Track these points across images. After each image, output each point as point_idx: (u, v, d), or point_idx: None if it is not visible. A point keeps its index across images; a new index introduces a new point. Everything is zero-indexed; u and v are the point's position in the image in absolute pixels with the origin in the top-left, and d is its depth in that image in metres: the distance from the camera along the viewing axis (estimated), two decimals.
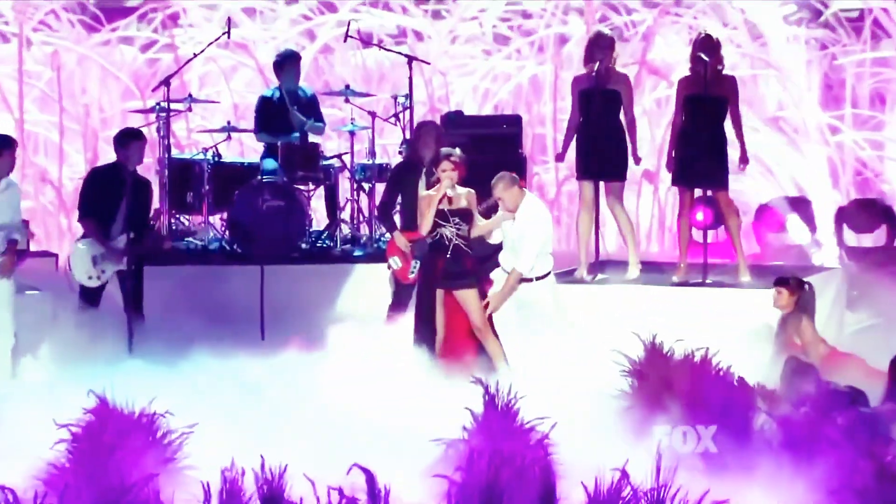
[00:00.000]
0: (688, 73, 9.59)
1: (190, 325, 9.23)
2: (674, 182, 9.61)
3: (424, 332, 8.32)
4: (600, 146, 9.37)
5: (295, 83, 10.97)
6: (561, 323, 8.37)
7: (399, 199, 9.46)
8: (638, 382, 7.02)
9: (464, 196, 8.37)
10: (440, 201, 8.29)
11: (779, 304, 8.44)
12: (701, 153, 9.30)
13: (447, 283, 8.29)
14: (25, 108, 12.29)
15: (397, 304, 9.23)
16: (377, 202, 10.29)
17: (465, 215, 8.33)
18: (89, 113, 12.41)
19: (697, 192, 9.62)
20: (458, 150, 8.53)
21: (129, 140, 9.07)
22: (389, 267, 9.26)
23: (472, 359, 8.13)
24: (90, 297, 8.96)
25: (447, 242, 8.30)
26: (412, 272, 9.12)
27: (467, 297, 8.26)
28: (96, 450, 6.02)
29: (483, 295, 8.35)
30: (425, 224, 8.33)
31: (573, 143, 9.60)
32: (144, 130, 11.09)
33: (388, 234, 9.56)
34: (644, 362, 7.10)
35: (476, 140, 10.48)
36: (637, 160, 9.61)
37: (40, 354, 8.47)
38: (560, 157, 10.07)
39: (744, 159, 9.44)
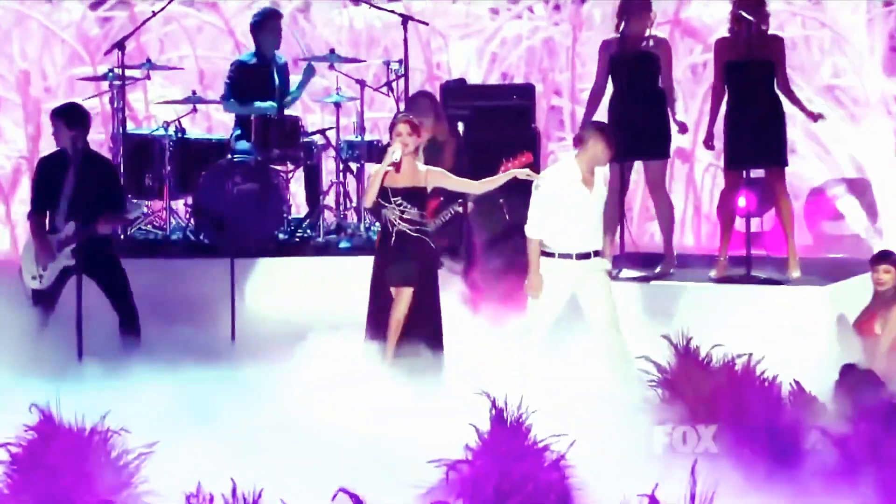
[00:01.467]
0: (727, 34, 9.62)
1: (149, 327, 9.27)
2: (727, 165, 9.63)
3: (374, 329, 8.33)
4: (635, 120, 9.41)
5: (275, 47, 11.00)
6: (606, 323, 8.32)
7: None
8: (669, 394, 7.04)
9: (423, 174, 8.29)
10: (385, 175, 8.21)
11: (883, 285, 8.52)
12: (753, 127, 9.33)
13: (388, 276, 8.29)
14: None
15: None
16: (363, 185, 10.33)
17: (414, 196, 8.25)
18: (30, 80, 12.42)
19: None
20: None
21: (75, 122, 9.00)
22: None
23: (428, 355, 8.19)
24: (43, 300, 8.97)
25: (390, 227, 8.29)
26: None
27: (400, 293, 8.26)
28: (39, 473, 6.04)
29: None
30: (366, 201, 8.36)
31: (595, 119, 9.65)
32: (95, 102, 11.16)
33: (378, 224, 9.58)
34: (676, 370, 7.12)
35: (481, 113, 10.50)
36: (683, 127, 9.66)
37: None
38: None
39: (813, 115, 9.50)
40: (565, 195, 8.32)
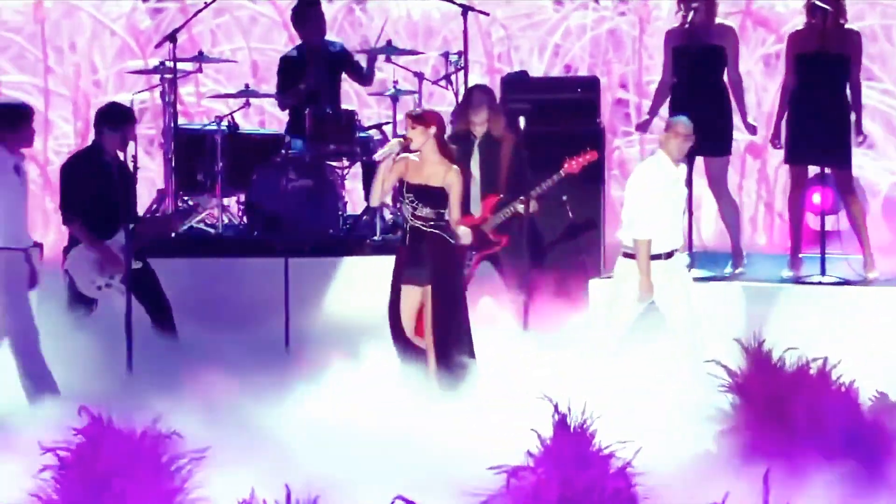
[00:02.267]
0: (801, 27, 9.55)
1: (200, 329, 9.32)
2: (786, 160, 9.59)
3: (392, 328, 8.32)
4: (699, 114, 9.36)
5: (319, 36, 11.00)
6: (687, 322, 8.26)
7: None
8: (740, 399, 7.00)
9: (441, 174, 8.25)
10: (399, 171, 8.23)
11: None
12: (817, 124, 9.26)
13: (399, 274, 8.29)
14: (2, 67, 12.41)
15: None
16: None
17: (425, 194, 8.24)
18: (80, 74, 12.51)
19: (814, 170, 9.58)
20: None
21: (123, 122, 9.04)
22: None
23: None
24: (83, 301, 9.04)
25: (405, 223, 8.31)
26: (467, 266, 9.17)
27: (407, 292, 8.25)
28: (89, 478, 6.08)
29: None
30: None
31: (660, 112, 9.61)
32: (146, 95, 11.23)
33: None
34: (747, 375, 7.08)
35: (543, 107, 10.48)
36: (751, 128, 9.62)
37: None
38: (644, 126, 10.06)
39: (859, 131, 9.41)
40: (669, 192, 8.27)
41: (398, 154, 8.26)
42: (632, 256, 8.33)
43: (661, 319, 8.52)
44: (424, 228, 8.24)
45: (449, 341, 8.18)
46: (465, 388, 7.98)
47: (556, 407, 6.41)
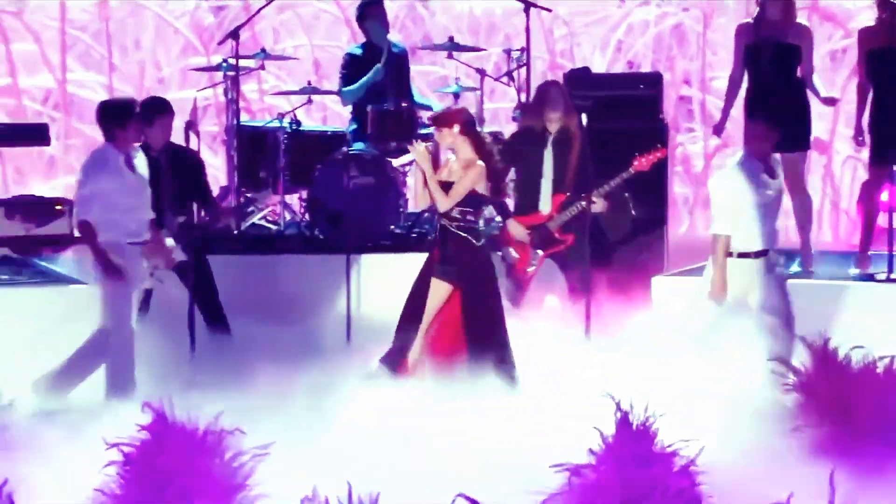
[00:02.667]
0: (872, 22, 9.47)
1: (262, 325, 9.35)
2: (872, 160, 9.50)
3: (404, 324, 8.30)
4: (775, 111, 9.30)
5: (383, 34, 11.03)
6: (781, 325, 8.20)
7: (514, 177, 9.47)
8: (805, 398, 6.95)
9: (458, 171, 8.22)
10: (441, 171, 8.23)
11: None
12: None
13: (429, 268, 8.27)
14: (68, 65, 12.51)
15: (512, 302, 9.25)
16: None
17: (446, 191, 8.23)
18: (144, 71, 12.59)
19: None
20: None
21: (154, 115, 9.07)
22: (504, 259, 9.27)
23: (461, 359, 8.11)
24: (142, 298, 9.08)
25: (438, 222, 8.30)
26: (532, 265, 9.14)
27: (436, 286, 8.23)
28: (152, 474, 6.11)
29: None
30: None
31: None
32: (209, 92, 11.28)
33: (499, 218, 9.58)
34: (813, 373, 7.03)
35: (606, 103, 10.45)
36: (831, 100, 9.52)
37: None
38: (719, 129, 9.99)
39: None
40: (754, 191, 8.20)
41: (429, 157, 8.24)
42: (729, 255, 8.23)
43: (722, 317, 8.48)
44: (450, 228, 8.23)
45: (484, 347, 8.12)
46: (545, 381, 7.92)
47: (618, 405, 6.38)
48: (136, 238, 8.32)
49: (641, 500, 6.03)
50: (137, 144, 8.52)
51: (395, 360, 8.21)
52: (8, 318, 8.59)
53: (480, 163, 8.18)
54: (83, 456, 6.34)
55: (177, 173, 9.09)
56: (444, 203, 8.17)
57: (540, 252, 9.21)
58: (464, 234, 8.22)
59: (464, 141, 8.22)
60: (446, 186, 8.19)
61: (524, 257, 9.20)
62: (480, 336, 8.14)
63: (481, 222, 8.38)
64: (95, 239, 8.24)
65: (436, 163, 8.33)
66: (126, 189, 8.25)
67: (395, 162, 8.38)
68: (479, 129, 8.36)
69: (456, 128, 8.20)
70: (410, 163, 10.93)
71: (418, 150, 8.22)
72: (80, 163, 12.33)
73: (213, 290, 9.26)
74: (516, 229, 9.18)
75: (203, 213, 9.12)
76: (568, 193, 9.18)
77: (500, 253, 9.32)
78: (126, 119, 8.30)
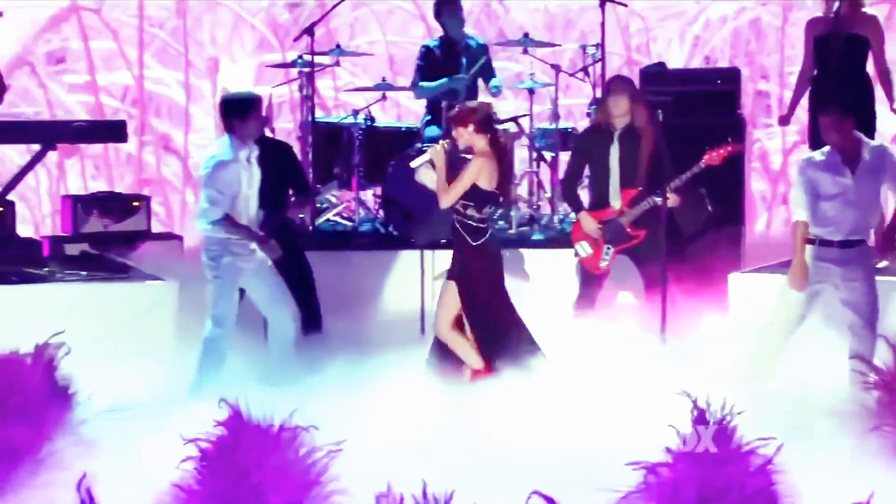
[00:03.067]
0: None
1: (337, 321, 9.39)
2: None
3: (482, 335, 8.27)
4: (842, 104, 9.21)
5: (459, 29, 11.04)
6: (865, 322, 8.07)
7: (587, 172, 9.46)
8: (885, 396, 6.88)
9: (466, 167, 8.23)
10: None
11: None
12: None
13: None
14: (145, 62, 12.62)
15: (584, 298, 9.23)
16: (558, 175, 10.31)
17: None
18: (218, 67, 12.67)
19: None
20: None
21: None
22: (576, 254, 9.27)
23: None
24: None
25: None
26: (604, 261, 9.12)
27: (444, 286, 8.24)
28: (229, 469, 6.15)
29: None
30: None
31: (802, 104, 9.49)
32: (284, 89, 11.34)
33: (573, 215, 9.56)
34: (894, 372, 6.96)
35: (683, 99, 10.39)
36: None
37: (163, 356, 8.71)
38: (786, 120, 9.94)
39: None
40: (830, 181, 8.10)
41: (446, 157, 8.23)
42: (811, 242, 8.13)
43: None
44: (456, 223, 8.25)
45: (487, 339, 8.14)
46: (621, 378, 7.89)
47: (694, 403, 6.35)
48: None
49: (718, 499, 6.00)
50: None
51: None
52: (86, 314, 8.68)
53: (479, 158, 8.15)
54: (160, 451, 6.39)
55: (272, 164, 9.11)
56: (442, 200, 8.19)
57: (612, 247, 9.17)
58: (458, 229, 8.23)
59: (481, 139, 8.23)
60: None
61: (596, 253, 9.17)
62: (483, 329, 8.14)
63: (475, 214, 8.31)
64: (236, 222, 8.28)
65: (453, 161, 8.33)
66: (241, 181, 8.33)
67: (413, 163, 8.40)
68: (496, 125, 8.35)
69: (471, 127, 8.21)
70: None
71: (435, 148, 8.23)
72: (154, 159, 12.55)
73: (310, 286, 9.30)
74: (587, 223, 9.15)
75: (293, 200, 9.13)
76: (640, 188, 9.14)
77: (573, 249, 9.29)
78: (247, 112, 8.37)
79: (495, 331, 8.15)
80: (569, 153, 10.06)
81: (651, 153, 9.07)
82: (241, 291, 8.55)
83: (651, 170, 9.12)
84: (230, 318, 8.34)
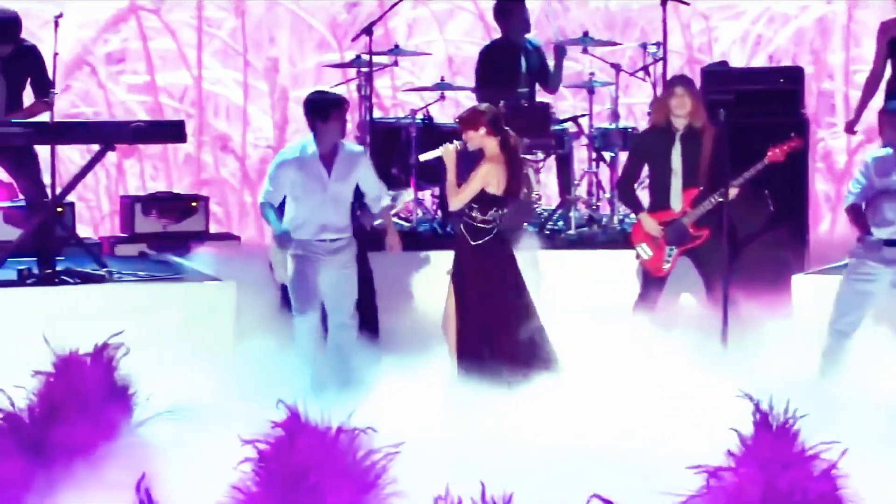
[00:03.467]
0: None
1: (395, 321, 9.39)
2: None
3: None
4: None
5: (523, 31, 11.01)
6: None
7: (647, 172, 9.42)
8: None
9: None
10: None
11: None
12: None
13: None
14: (204, 62, 12.69)
15: (646, 300, 9.19)
16: (617, 174, 10.26)
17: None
18: (278, 68, 12.72)
19: None
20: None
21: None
22: (638, 256, 9.23)
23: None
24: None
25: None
26: (666, 262, 9.08)
27: (448, 285, 8.27)
28: (286, 471, 6.17)
29: None
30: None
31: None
32: (342, 89, 11.36)
33: (633, 215, 9.52)
34: None
35: (745, 98, 10.32)
36: None
37: (221, 357, 8.74)
38: (851, 127, 9.84)
39: None
40: (882, 176, 8.04)
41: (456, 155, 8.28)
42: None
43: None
44: (461, 226, 8.31)
45: (464, 342, 8.17)
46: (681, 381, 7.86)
47: (756, 406, 6.31)
48: (320, 235, 8.47)
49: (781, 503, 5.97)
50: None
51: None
52: (144, 315, 8.73)
53: (488, 163, 8.17)
54: (219, 452, 6.42)
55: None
56: (451, 202, 8.22)
57: (675, 249, 9.12)
58: (461, 228, 8.27)
59: (491, 141, 8.22)
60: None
61: (658, 254, 9.12)
62: (465, 331, 8.18)
63: (478, 216, 8.29)
64: (270, 215, 8.32)
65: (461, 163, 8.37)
66: (304, 181, 8.36)
67: (422, 157, 8.44)
68: (505, 127, 8.35)
69: (482, 130, 8.22)
70: (546, 157, 10.93)
71: (447, 147, 8.23)
72: (212, 159, 12.61)
73: (371, 288, 9.31)
74: (649, 224, 9.10)
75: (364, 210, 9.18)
76: (700, 188, 9.09)
77: (635, 251, 9.25)
78: (330, 113, 8.39)
79: (475, 334, 8.15)
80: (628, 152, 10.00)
81: (712, 153, 9.02)
82: None
83: (712, 170, 9.07)
84: (307, 304, 8.34)
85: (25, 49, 9.37)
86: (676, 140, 9.10)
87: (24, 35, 9.46)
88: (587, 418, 7.36)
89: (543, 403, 7.64)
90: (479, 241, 8.22)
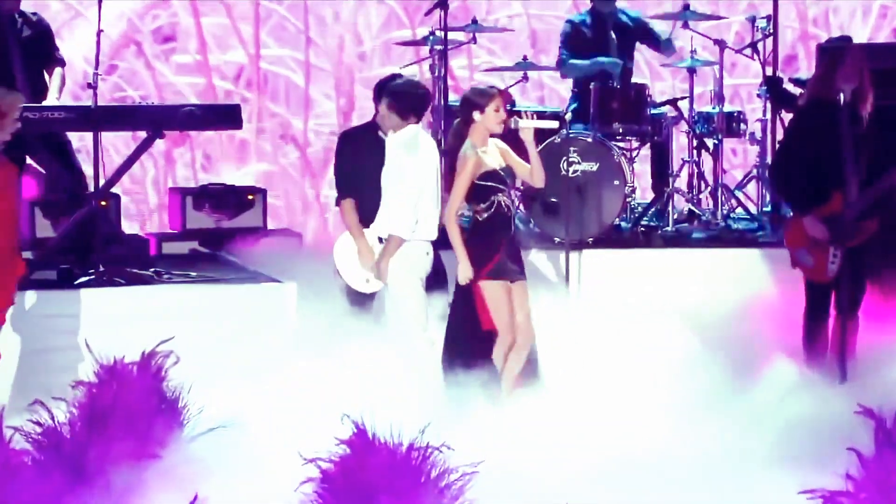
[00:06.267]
0: None
1: None
2: None
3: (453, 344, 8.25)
4: None
5: (611, 3, 11.01)
6: None
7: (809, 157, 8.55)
8: None
9: (499, 151, 8.45)
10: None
11: None
12: None
13: (509, 272, 8.26)
14: (262, 40, 12.76)
15: (816, 311, 8.61)
16: (721, 164, 10.19)
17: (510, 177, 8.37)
18: (343, 46, 12.77)
19: None
20: None
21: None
22: (795, 264, 8.64)
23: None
24: (361, 300, 9.06)
25: (507, 214, 8.33)
26: (832, 264, 8.45)
27: (518, 290, 8.28)
28: (353, 493, 6.20)
29: None
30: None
31: None
32: (414, 69, 11.40)
33: (795, 213, 9.00)
34: None
35: (874, 77, 10.18)
36: None
37: (280, 366, 8.79)
38: None
39: None
40: None
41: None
42: None
43: None
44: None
45: (450, 345, 8.23)
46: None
47: (879, 422, 6.28)
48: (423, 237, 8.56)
49: None
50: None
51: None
52: (196, 319, 8.79)
53: (471, 156, 8.27)
54: (277, 471, 6.47)
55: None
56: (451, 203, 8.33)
57: (840, 248, 8.42)
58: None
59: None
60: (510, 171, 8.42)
61: (821, 258, 8.50)
62: (449, 330, 8.24)
63: (466, 211, 8.35)
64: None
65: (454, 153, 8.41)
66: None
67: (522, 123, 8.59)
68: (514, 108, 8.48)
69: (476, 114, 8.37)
70: (641, 145, 10.90)
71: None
72: (271, 146, 12.68)
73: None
74: (812, 224, 8.45)
75: None
76: (862, 176, 8.50)
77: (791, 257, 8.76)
78: (422, 106, 8.65)
79: (450, 338, 8.25)
80: (734, 140, 9.95)
81: (870, 133, 8.48)
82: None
83: (876, 152, 8.53)
84: (415, 319, 8.45)
85: (35, 23, 9.57)
86: (844, 119, 8.33)
87: (65, 12, 9.59)
88: (671, 433, 7.34)
89: (623, 415, 7.62)
90: (469, 239, 8.31)
